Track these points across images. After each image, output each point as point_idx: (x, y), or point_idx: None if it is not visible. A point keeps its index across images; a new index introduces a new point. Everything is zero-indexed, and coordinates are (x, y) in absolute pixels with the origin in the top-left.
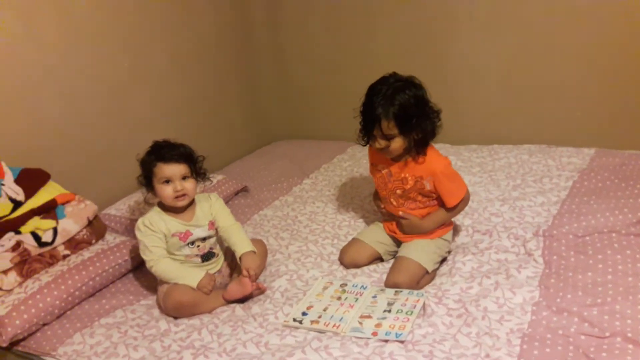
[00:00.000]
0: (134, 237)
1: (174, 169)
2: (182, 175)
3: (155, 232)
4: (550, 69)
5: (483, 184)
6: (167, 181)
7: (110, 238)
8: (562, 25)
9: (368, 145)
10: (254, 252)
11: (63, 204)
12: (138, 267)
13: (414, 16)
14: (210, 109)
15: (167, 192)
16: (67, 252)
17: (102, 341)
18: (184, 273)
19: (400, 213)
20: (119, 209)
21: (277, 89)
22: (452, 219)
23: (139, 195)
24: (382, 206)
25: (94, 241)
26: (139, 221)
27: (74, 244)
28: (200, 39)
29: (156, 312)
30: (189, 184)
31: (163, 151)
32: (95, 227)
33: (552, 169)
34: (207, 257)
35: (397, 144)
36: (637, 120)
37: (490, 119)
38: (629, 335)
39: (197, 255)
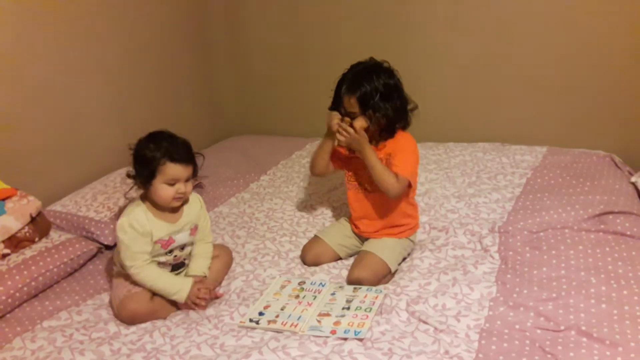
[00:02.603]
0: (81, 234)
1: (183, 171)
2: (188, 177)
3: (143, 234)
4: (505, 69)
5: (439, 180)
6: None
7: (55, 236)
8: (517, 26)
9: None
10: (205, 276)
11: (3, 199)
12: (84, 266)
13: (374, 13)
14: (163, 102)
15: (169, 193)
16: (7, 250)
17: (44, 346)
18: (172, 286)
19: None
20: (65, 206)
21: (235, 82)
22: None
23: (86, 191)
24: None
25: (37, 239)
26: (124, 220)
27: (14, 242)
28: (153, 28)
29: (104, 313)
30: (190, 186)
31: (172, 149)
32: (39, 225)
33: (506, 166)
34: (177, 267)
35: (359, 123)
36: (586, 120)
37: (446, 117)
38: (583, 328)
39: (170, 264)
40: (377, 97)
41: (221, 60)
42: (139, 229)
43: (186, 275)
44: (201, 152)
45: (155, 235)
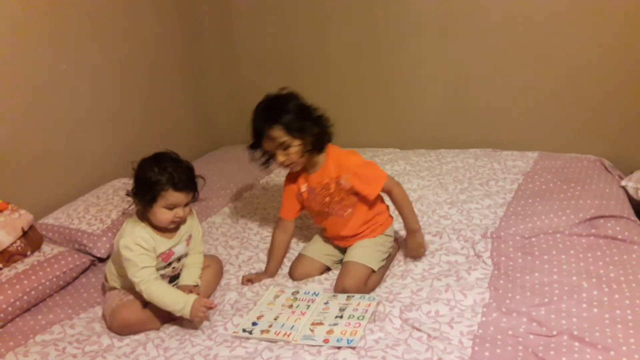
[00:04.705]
0: (73, 247)
1: (184, 198)
2: (187, 202)
3: (148, 250)
4: (495, 76)
5: (431, 187)
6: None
7: (48, 249)
8: (505, 34)
9: (284, 184)
10: (196, 285)
11: None
12: (77, 279)
13: (364, 23)
14: (155, 112)
15: (167, 217)
16: None
17: None
18: (175, 303)
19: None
20: (57, 218)
21: (226, 92)
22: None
23: (78, 204)
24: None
25: (29, 253)
26: (128, 239)
27: (6, 257)
28: (143, 39)
29: (98, 326)
30: (188, 210)
31: (176, 175)
32: (31, 238)
33: (498, 172)
34: (174, 279)
35: (294, 150)
36: (577, 124)
37: (438, 124)
38: (575, 333)
39: (169, 276)
40: (299, 119)
41: (212, 71)
42: (145, 246)
43: (178, 285)
44: (202, 176)
45: (158, 250)
